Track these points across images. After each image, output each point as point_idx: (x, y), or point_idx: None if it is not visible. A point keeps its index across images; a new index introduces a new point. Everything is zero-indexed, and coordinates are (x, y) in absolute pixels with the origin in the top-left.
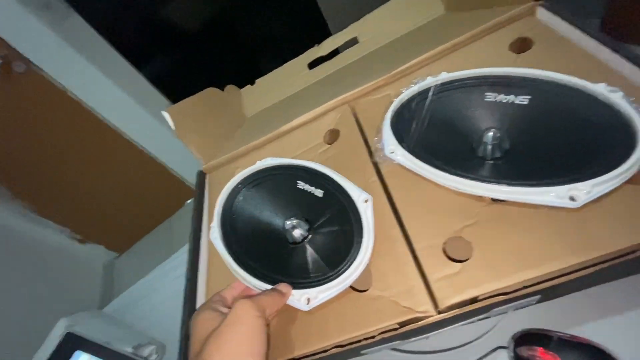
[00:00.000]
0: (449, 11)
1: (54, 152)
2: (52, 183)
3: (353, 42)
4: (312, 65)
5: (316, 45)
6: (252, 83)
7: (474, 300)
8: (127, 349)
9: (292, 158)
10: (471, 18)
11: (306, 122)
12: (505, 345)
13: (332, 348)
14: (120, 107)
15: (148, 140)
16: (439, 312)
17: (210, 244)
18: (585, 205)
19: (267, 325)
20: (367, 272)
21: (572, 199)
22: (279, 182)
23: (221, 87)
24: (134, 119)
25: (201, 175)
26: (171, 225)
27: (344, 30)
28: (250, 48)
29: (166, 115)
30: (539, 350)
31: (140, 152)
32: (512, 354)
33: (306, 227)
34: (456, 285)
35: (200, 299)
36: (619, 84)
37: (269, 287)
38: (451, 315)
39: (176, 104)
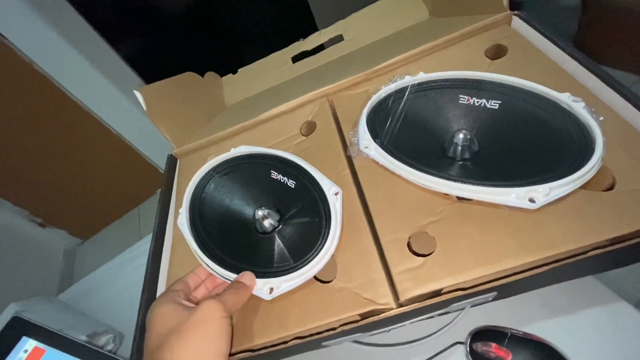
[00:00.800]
0: (432, 16)
1: (15, 127)
2: (9, 160)
3: (338, 39)
4: (296, 59)
5: (301, 39)
6: (235, 72)
7: (433, 294)
8: (82, 337)
9: (268, 148)
10: (452, 23)
11: (283, 113)
12: (462, 340)
13: (293, 339)
14: (91, 85)
15: (121, 122)
16: (400, 305)
17: (176, 231)
18: (542, 207)
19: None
20: (332, 264)
21: (531, 200)
22: (252, 170)
23: (202, 72)
24: (106, 98)
25: (172, 160)
26: (140, 214)
27: (330, 27)
28: (236, 36)
29: (138, 94)
30: (493, 346)
31: (111, 135)
32: (468, 349)
33: (277, 217)
34: (417, 279)
35: (162, 285)
36: (581, 94)
37: (234, 275)
38: (411, 309)
39: (151, 84)
